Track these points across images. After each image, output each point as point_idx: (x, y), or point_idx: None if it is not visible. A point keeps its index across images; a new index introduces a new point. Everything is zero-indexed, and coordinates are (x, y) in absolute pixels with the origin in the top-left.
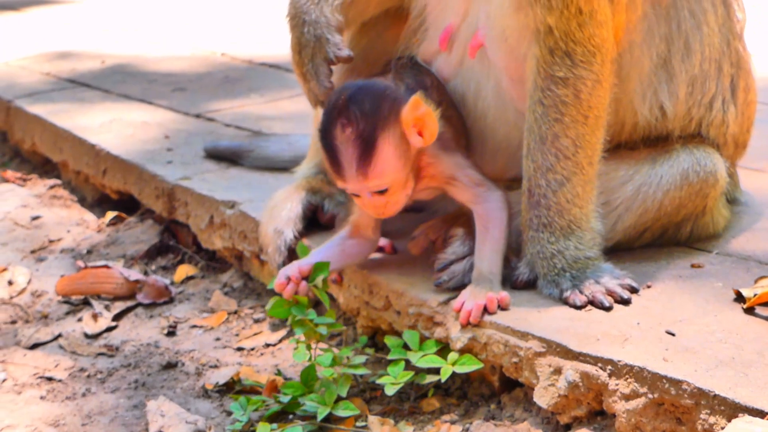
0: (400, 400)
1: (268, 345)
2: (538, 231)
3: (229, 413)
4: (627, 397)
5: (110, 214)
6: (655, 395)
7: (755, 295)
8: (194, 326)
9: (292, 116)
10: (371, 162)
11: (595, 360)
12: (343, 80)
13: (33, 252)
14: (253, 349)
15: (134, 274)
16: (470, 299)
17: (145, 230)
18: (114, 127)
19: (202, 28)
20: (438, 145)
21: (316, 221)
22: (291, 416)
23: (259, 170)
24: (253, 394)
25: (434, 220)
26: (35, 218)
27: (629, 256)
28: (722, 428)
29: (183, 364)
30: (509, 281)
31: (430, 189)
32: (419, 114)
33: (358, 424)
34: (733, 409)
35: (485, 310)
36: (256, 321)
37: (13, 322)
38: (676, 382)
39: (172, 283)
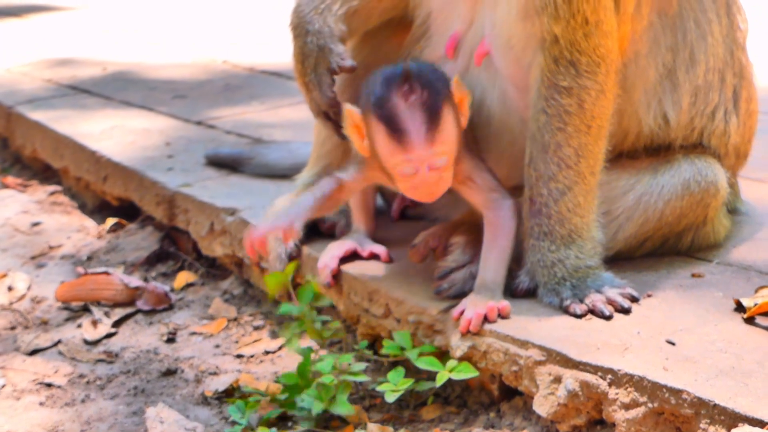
0: (399, 407)
1: (267, 352)
2: (539, 239)
3: (228, 420)
4: (627, 407)
5: (110, 221)
6: (655, 404)
7: (755, 304)
8: (194, 333)
9: (292, 124)
10: (438, 128)
11: (595, 369)
12: (345, 90)
13: (33, 258)
14: (252, 356)
15: (134, 280)
16: (470, 308)
17: (145, 237)
18: (115, 134)
19: (203, 35)
20: (461, 145)
21: (316, 230)
22: (290, 423)
23: (259, 177)
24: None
25: (435, 228)
26: (35, 224)
27: (630, 266)
28: None
29: (182, 371)
30: (509, 290)
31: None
32: (461, 94)
33: (357, 431)
34: (733, 419)
35: (485, 319)
36: (256, 328)
37: (13, 328)
38: (676, 392)
39: (172, 289)
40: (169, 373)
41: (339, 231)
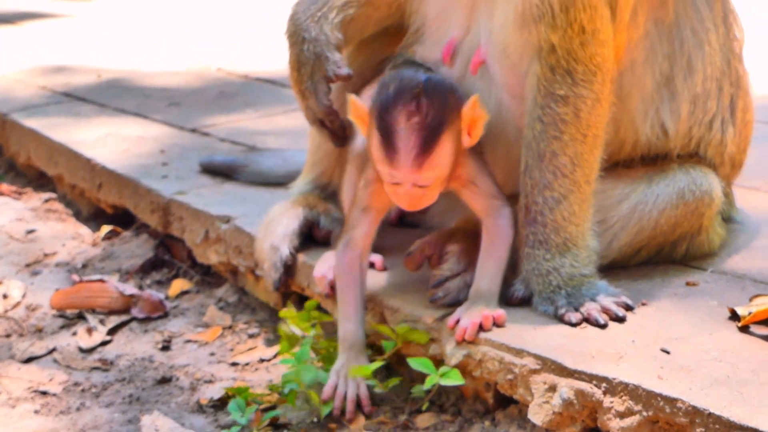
0: (394, 415)
1: (262, 360)
2: (534, 248)
3: (224, 427)
4: (621, 415)
5: (105, 228)
6: (650, 413)
7: (750, 313)
8: (189, 341)
9: (286, 132)
10: (430, 154)
11: (589, 377)
12: (339, 98)
13: (28, 265)
14: (247, 364)
15: (129, 288)
16: (466, 316)
17: (140, 244)
18: (109, 142)
19: (198, 42)
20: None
21: (311, 237)
22: (286, 431)
23: (254, 185)
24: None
25: (430, 236)
26: (30, 232)
27: (625, 274)
28: None
29: (177, 379)
30: (504, 298)
31: (448, 189)
32: (476, 114)
33: None
34: (727, 428)
35: (480, 328)
36: (251, 336)
37: (8, 336)
38: (671, 400)
39: (167, 297)
40: (164, 381)
41: (334, 239)
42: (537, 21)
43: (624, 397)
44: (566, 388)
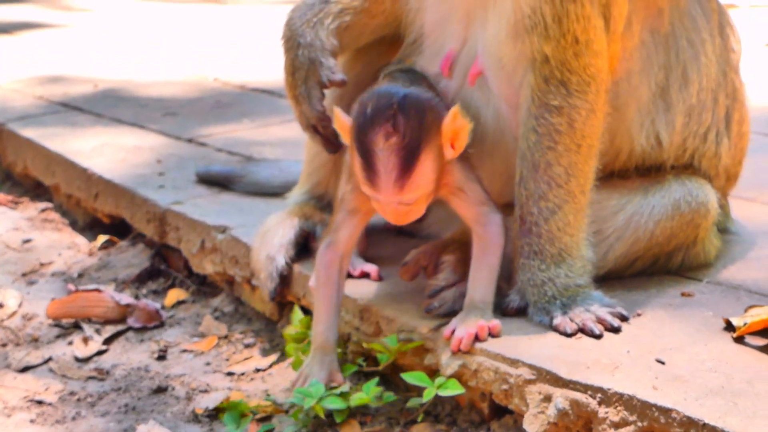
0: (389, 425)
1: (258, 370)
2: (529, 258)
3: None
4: (616, 425)
5: (102, 238)
6: (645, 424)
7: (745, 324)
8: (185, 351)
9: (283, 142)
10: (410, 176)
11: (585, 388)
12: (334, 104)
13: (24, 275)
14: (243, 374)
15: (125, 298)
16: (461, 327)
17: (136, 254)
18: (106, 151)
19: (194, 53)
20: None
21: (307, 248)
22: None
23: (250, 195)
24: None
25: (425, 246)
26: (26, 241)
27: (620, 285)
28: None
29: (173, 389)
30: (500, 308)
31: (438, 197)
32: (457, 126)
33: None
34: None
35: (476, 338)
36: (247, 346)
37: (4, 345)
38: (666, 411)
39: (163, 307)
40: (160, 390)
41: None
42: (530, 32)
43: (619, 408)
44: (561, 398)
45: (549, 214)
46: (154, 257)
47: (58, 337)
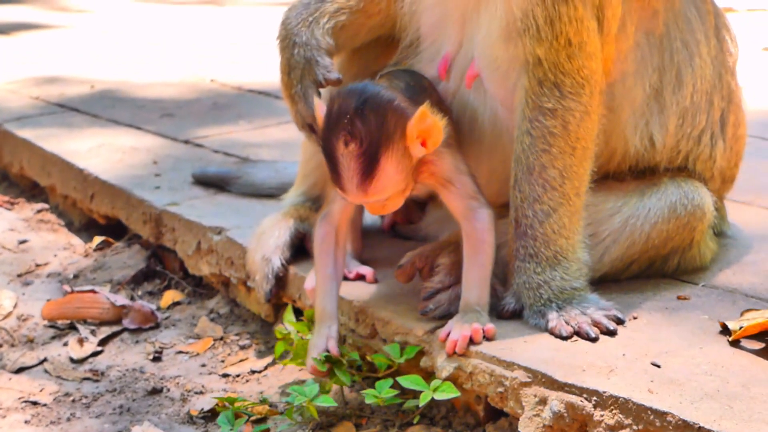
0: (385, 428)
1: (253, 371)
2: (525, 261)
3: None
4: (612, 428)
5: (97, 239)
6: (640, 427)
7: (741, 327)
8: (180, 352)
9: (279, 143)
10: (372, 180)
11: (580, 390)
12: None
13: (19, 276)
14: (238, 376)
15: (120, 299)
16: (456, 329)
17: (132, 255)
18: (102, 152)
19: (191, 54)
20: (442, 143)
21: (303, 249)
22: None
23: (246, 197)
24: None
25: (421, 249)
26: (22, 242)
27: (616, 288)
28: None
29: (168, 390)
30: (495, 311)
31: (425, 186)
32: (425, 126)
33: None
34: None
35: (471, 341)
36: (242, 347)
37: None
38: (661, 414)
39: (159, 308)
40: (155, 391)
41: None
42: (521, 34)
43: (614, 411)
44: (557, 401)
45: (544, 217)
46: (150, 258)
47: (53, 338)
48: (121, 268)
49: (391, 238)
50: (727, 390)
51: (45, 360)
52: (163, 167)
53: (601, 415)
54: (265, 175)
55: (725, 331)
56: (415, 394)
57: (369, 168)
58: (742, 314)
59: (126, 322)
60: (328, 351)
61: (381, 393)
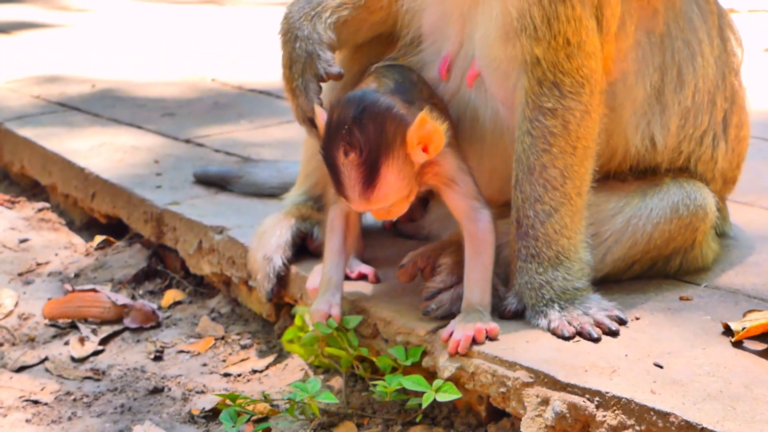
0: (386, 427)
1: (255, 371)
2: (527, 261)
3: None
4: (614, 429)
5: (98, 238)
6: (643, 427)
7: (744, 328)
8: (181, 351)
9: (280, 143)
10: (374, 188)
11: (582, 391)
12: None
13: (20, 275)
14: (239, 375)
15: (122, 298)
16: (459, 329)
17: (133, 254)
18: (103, 151)
19: (193, 53)
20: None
21: (305, 248)
22: None
23: (248, 196)
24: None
25: (423, 249)
26: (23, 241)
27: (618, 288)
28: None
29: (169, 389)
30: (497, 311)
31: (428, 186)
32: (426, 132)
33: None
34: None
35: (474, 341)
36: (243, 347)
37: (0, 345)
38: (664, 415)
39: (160, 307)
40: (156, 391)
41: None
42: (519, 34)
43: (617, 411)
44: (559, 401)
45: (545, 217)
46: (151, 258)
47: (54, 337)
48: (122, 268)
49: (393, 237)
50: (730, 391)
51: (46, 359)
52: (164, 166)
53: (604, 416)
54: (266, 174)
55: (728, 331)
56: (417, 394)
57: (370, 177)
58: (744, 315)
59: (127, 322)
60: (331, 316)
61: (391, 385)
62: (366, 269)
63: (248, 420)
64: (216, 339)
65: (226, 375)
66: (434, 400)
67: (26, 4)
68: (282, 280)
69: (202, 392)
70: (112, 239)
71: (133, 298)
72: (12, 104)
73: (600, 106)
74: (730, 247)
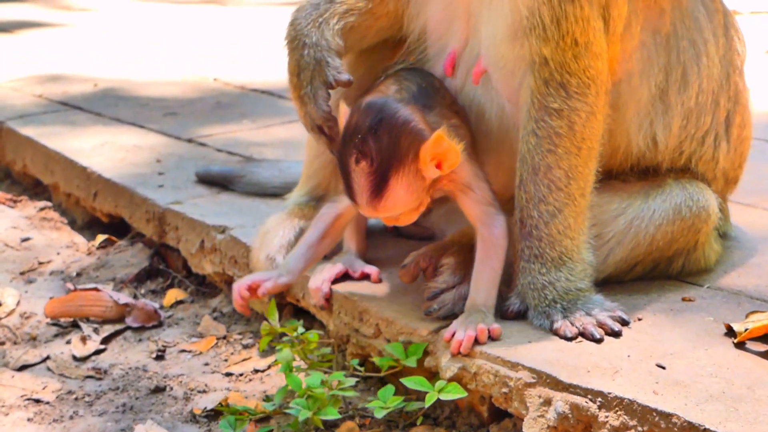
0: (388, 428)
1: (256, 371)
2: (530, 262)
3: None
4: (616, 430)
5: (100, 237)
6: (645, 428)
7: (746, 329)
8: (183, 351)
9: (283, 143)
10: (382, 198)
11: (585, 392)
12: (337, 108)
13: (22, 273)
14: (241, 375)
15: (123, 297)
16: (461, 329)
17: (135, 254)
18: (105, 151)
19: (195, 53)
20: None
21: None
22: None
23: (250, 196)
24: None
25: (425, 248)
26: (25, 240)
27: (620, 289)
28: None
29: (171, 389)
30: (500, 311)
31: (443, 192)
32: (441, 150)
33: None
34: None
35: (476, 341)
36: (245, 346)
37: (2, 344)
38: (666, 416)
39: (162, 307)
40: (158, 390)
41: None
42: (528, 34)
43: (619, 412)
44: (561, 402)
45: (549, 218)
46: (153, 257)
47: (56, 336)
48: (124, 267)
49: (396, 237)
50: (733, 392)
51: (48, 358)
52: (166, 166)
53: (606, 416)
54: (269, 174)
55: (730, 333)
56: (419, 395)
57: (378, 187)
58: (747, 316)
59: (129, 321)
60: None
61: (387, 402)
62: (369, 269)
63: (250, 420)
64: (218, 338)
65: (228, 374)
66: (437, 400)
67: (29, 3)
68: None
69: (204, 392)
70: (114, 238)
71: (135, 297)
72: (14, 103)
73: (605, 107)
74: (732, 248)
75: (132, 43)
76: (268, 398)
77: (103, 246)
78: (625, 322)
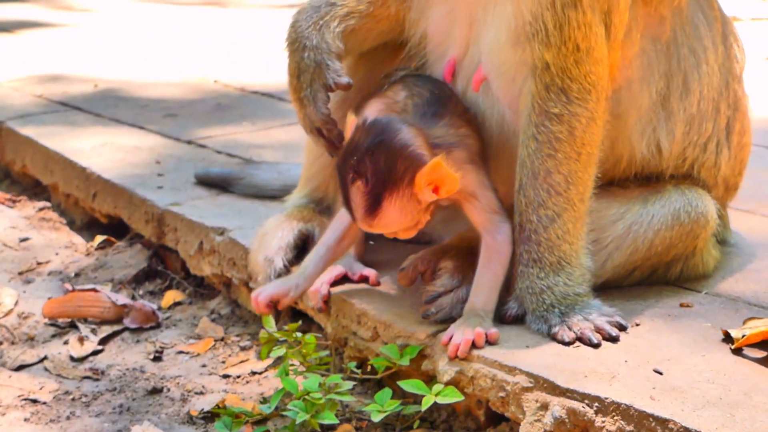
0: (385, 431)
1: (254, 373)
2: (528, 266)
3: None
4: None
5: (99, 238)
6: None
7: (743, 336)
8: (180, 352)
9: (282, 145)
10: (376, 216)
11: (582, 396)
12: (339, 108)
13: (21, 274)
14: (239, 377)
15: (122, 298)
16: (459, 333)
17: (133, 255)
18: (105, 151)
19: (195, 54)
20: (466, 158)
21: (306, 251)
22: None
23: (249, 198)
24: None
25: (424, 252)
26: (24, 240)
27: (618, 294)
28: None
29: (168, 390)
30: (498, 316)
31: (449, 200)
32: (437, 176)
33: None
34: None
35: (473, 345)
36: (243, 348)
37: None
38: (663, 421)
39: (160, 308)
40: (155, 391)
41: None
42: (530, 39)
43: (616, 417)
44: (558, 406)
45: (548, 222)
46: (152, 258)
47: (53, 336)
48: (122, 268)
49: (394, 240)
50: (729, 398)
51: (45, 358)
52: (165, 167)
53: (603, 422)
54: (268, 176)
55: (728, 339)
56: (416, 399)
57: (372, 207)
58: (744, 322)
59: (127, 322)
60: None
61: (384, 405)
62: (368, 272)
63: (247, 422)
64: (216, 340)
65: (226, 376)
66: (434, 404)
67: (29, 3)
68: None
69: (201, 393)
70: (112, 239)
71: (133, 298)
72: (14, 103)
73: (605, 113)
74: (730, 254)
75: (132, 43)
76: (265, 400)
77: (101, 247)
78: (622, 328)
